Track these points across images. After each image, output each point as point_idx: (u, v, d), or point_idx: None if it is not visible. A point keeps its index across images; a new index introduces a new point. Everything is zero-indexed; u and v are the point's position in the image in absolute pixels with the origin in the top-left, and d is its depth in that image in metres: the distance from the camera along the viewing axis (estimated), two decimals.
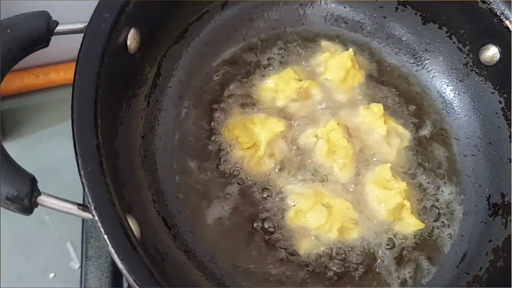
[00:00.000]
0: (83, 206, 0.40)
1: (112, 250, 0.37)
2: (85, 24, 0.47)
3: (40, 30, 0.44)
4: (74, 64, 0.78)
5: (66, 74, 0.80)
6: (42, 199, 0.40)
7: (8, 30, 0.42)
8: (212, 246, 0.54)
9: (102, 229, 0.37)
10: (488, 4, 0.57)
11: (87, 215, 0.39)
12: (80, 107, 0.41)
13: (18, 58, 0.44)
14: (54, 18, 0.47)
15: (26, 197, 0.39)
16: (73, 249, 0.68)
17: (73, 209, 0.40)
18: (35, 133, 0.78)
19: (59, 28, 0.46)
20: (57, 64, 0.80)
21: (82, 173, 0.39)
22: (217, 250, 0.54)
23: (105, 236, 0.37)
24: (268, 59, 0.65)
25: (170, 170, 0.57)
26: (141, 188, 0.53)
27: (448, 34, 0.64)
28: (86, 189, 0.38)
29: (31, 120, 0.79)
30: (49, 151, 0.76)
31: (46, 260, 0.67)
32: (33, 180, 0.40)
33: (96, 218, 0.38)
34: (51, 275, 0.67)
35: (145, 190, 0.53)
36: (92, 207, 0.38)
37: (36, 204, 0.40)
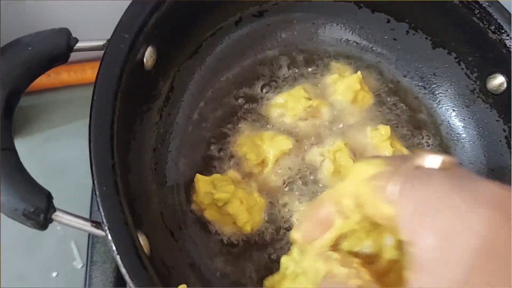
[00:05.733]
0: (97, 224, 0.41)
1: (124, 270, 0.38)
2: (104, 41, 0.48)
3: (60, 48, 0.45)
4: (85, 64, 0.80)
5: (77, 74, 0.80)
6: (58, 215, 0.41)
7: (29, 48, 0.43)
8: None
9: (115, 249, 0.39)
10: (499, 34, 0.58)
11: (100, 232, 0.41)
12: (97, 129, 0.42)
13: (37, 76, 0.45)
14: (73, 34, 0.48)
15: (42, 214, 0.40)
16: (77, 249, 0.68)
17: (87, 225, 0.42)
18: (44, 132, 0.77)
19: (78, 45, 0.47)
20: (69, 64, 0.81)
21: (97, 193, 0.40)
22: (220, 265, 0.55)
23: (118, 257, 0.38)
24: (279, 76, 0.66)
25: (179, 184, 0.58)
26: (151, 201, 0.54)
27: (456, 60, 0.65)
28: (101, 209, 0.40)
29: (41, 118, 0.78)
30: (58, 150, 0.76)
31: (49, 259, 0.67)
32: (49, 196, 0.41)
33: (110, 238, 0.39)
34: (54, 274, 0.66)
35: (154, 203, 0.54)
36: (106, 227, 0.39)
37: (51, 220, 0.41)
